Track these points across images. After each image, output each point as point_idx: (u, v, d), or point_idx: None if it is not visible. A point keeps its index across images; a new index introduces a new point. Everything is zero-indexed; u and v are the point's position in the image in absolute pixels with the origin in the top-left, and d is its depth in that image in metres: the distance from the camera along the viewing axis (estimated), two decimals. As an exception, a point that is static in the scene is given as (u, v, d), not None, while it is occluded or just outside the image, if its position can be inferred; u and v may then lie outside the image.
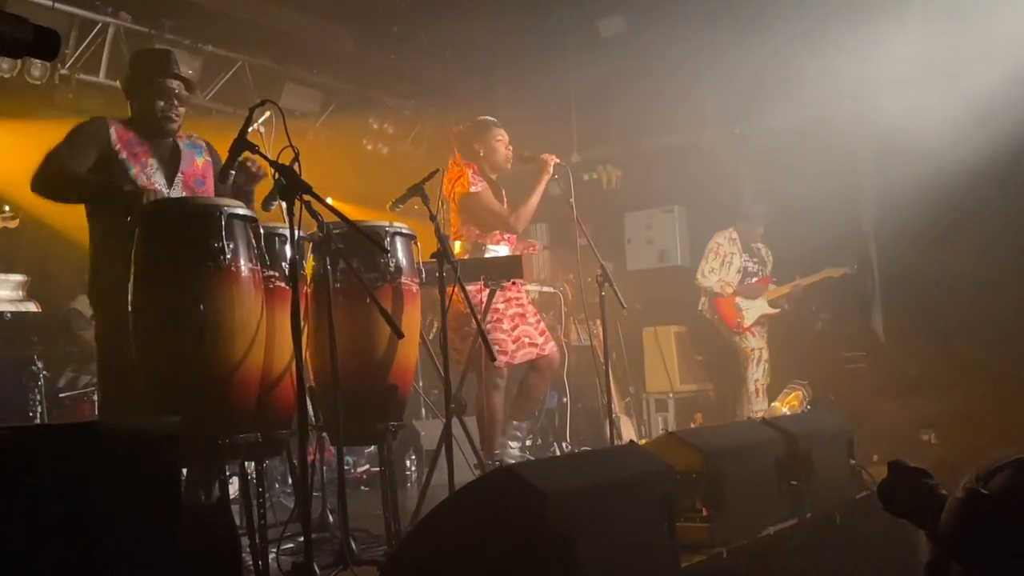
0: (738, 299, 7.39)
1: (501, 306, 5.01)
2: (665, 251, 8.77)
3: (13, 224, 5.91)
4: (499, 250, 5.12)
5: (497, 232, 5.14)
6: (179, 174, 3.87)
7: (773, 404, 7.33)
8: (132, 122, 3.89)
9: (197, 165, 3.97)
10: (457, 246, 5.16)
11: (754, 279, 7.46)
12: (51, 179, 3.69)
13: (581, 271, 5.26)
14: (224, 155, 3.45)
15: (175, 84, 3.87)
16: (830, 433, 4.57)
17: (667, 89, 8.21)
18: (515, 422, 5.18)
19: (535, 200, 5.15)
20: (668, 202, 8.79)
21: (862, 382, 7.45)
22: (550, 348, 5.16)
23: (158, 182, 3.80)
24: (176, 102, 3.86)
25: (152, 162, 3.84)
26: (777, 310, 7.44)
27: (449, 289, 4.05)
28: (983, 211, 6.89)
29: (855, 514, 4.32)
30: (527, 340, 5.07)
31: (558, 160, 5.17)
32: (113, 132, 3.79)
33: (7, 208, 5.95)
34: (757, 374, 7.31)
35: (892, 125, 7.17)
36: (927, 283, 7.28)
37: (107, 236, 3.73)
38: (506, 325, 5.02)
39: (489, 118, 5.29)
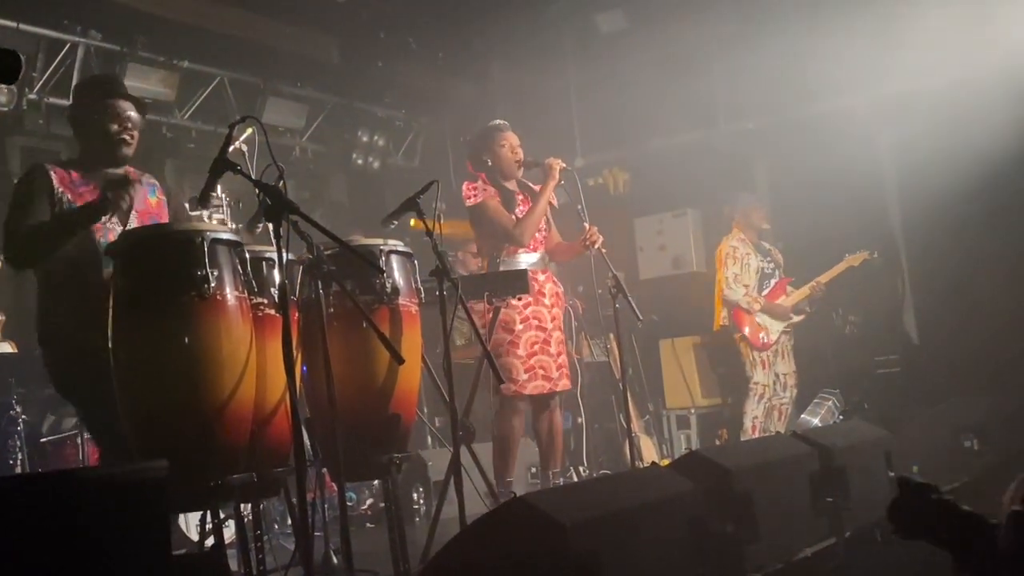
0: (759, 314, 7.09)
1: (519, 327, 4.93)
2: (679, 257, 8.72)
3: (-16, 259, 5.89)
4: (517, 261, 5.06)
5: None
6: (133, 212, 3.76)
7: (803, 417, 7.25)
8: (76, 160, 3.83)
9: (151, 203, 3.90)
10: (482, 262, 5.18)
11: (771, 280, 7.29)
12: (24, 246, 3.63)
13: (594, 282, 5.20)
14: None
15: (126, 105, 3.82)
16: (866, 444, 4.54)
17: (674, 85, 8.19)
18: (554, 471, 5.07)
19: (541, 208, 5.11)
20: (680, 205, 8.75)
21: (897, 388, 7.39)
22: (563, 384, 5.07)
23: (109, 223, 3.68)
24: (129, 124, 3.80)
25: None
26: (801, 316, 7.19)
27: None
28: (1020, 198, 6.85)
29: (898, 530, 4.26)
30: (541, 372, 4.96)
31: (564, 164, 5.15)
32: (53, 176, 3.69)
33: None
34: (757, 411, 7.00)
35: (916, 110, 7.14)
36: (961, 279, 7.23)
37: (53, 274, 3.67)
38: (521, 351, 4.92)
39: (497, 122, 5.26)
